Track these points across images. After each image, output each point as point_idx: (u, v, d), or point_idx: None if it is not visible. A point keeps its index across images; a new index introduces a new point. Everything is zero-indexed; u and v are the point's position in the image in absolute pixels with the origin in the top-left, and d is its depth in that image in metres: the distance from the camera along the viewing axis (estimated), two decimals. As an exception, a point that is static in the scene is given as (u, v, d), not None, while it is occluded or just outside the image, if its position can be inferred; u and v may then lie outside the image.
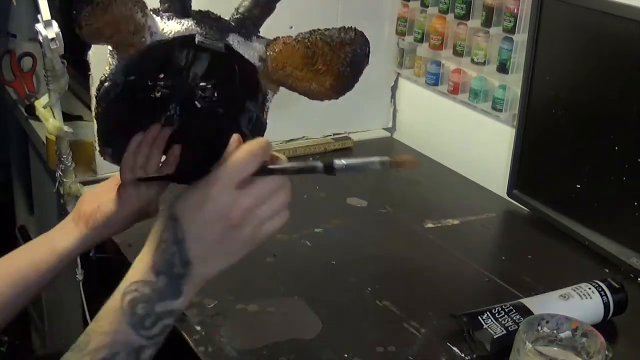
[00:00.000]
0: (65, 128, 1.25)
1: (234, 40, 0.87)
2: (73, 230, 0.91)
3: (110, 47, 0.84)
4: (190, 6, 0.88)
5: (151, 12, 0.84)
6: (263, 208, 0.70)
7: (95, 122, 0.89)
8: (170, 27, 0.86)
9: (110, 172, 1.28)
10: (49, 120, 1.25)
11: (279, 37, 0.87)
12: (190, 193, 0.70)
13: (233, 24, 0.88)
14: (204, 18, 0.87)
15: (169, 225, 0.69)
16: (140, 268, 0.70)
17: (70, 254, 0.91)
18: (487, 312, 0.92)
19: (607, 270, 1.11)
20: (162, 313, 0.69)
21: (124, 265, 1.03)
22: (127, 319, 0.68)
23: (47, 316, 1.84)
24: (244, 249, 0.71)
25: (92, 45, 1.24)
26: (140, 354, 0.68)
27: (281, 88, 0.89)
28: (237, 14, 0.88)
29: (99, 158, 1.31)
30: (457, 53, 1.38)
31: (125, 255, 1.05)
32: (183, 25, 0.86)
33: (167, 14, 0.86)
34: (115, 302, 0.68)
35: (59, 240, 0.91)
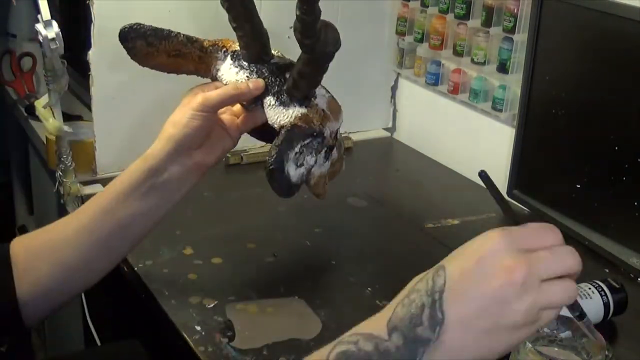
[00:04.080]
0: (65, 128, 1.25)
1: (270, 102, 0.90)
2: (158, 146, 0.88)
3: None
4: (269, 57, 0.92)
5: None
6: (548, 265, 0.56)
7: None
8: (228, 77, 0.91)
9: (111, 173, 1.29)
10: (49, 120, 1.25)
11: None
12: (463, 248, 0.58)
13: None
14: (275, 71, 0.91)
15: (429, 275, 0.58)
16: (374, 320, 0.58)
17: (159, 169, 0.87)
18: (487, 312, 0.92)
19: (607, 270, 1.11)
20: None
21: (124, 268, 1.04)
22: None
23: (47, 318, 1.84)
24: (511, 331, 0.56)
25: (92, 45, 1.24)
26: None
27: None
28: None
29: (99, 158, 1.32)
30: (457, 53, 1.38)
31: (125, 257, 1.05)
32: (238, 75, 0.91)
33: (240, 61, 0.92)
34: (322, 354, 0.56)
35: (150, 159, 0.88)
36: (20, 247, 0.86)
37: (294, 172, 0.86)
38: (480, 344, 0.56)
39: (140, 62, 0.92)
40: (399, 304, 0.57)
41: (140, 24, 0.91)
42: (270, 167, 0.85)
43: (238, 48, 0.92)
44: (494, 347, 0.56)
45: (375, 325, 0.57)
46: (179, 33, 0.92)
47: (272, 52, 0.93)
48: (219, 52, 0.93)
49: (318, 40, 0.82)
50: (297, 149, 0.87)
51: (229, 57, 0.93)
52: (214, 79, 0.94)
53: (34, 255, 0.86)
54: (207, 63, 0.93)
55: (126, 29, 0.91)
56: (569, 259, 0.58)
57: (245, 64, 0.92)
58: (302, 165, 0.87)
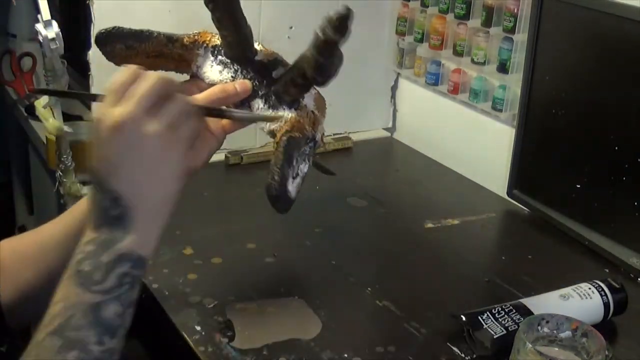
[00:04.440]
0: (65, 128, 1.25)
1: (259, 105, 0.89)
2: None
3: None
4: (253, 54, 0.90)
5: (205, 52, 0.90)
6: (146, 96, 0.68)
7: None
8: (210, 75, 0.90)
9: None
10: (49, 120, 1.25)
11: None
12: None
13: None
14: (261, 70, 0.90)
15: (92, 185, 0.68)
16: (83, 238, 0.67)
17: None
18: (487, 312, 0.92)
19: (607, 270, 1.11)
20: (110, 262, 0.65)
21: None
22: (74, 281, 0.64)
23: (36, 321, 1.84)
24: (161, 160, 0.68)
25: (92, 45, 1.24)
26: (100, 311, 0.64)
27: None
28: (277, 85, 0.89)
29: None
30: (457, 53, 1.38)
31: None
32: (222, 74, 0.90)
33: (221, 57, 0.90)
34: (67, 272, 0.66)
35: None
36: (8, 249, 0.85)
37: (292, 187, 0.85)
38: (153, 184, 0.68)
39: (118, 64, 0.90)
40: (89, 213, 0.68)
41: (119, 27, 0.89)
42: (275, 194, 0.83)
43: (219, 42, 0.90)
44: (152, 166, 0.67)
45: (87, 234, 0.67)
46: (159, 33, 0.90)
47: (255, 46, 0.91)
48: (200, 48, 0.91)
49: (330, 77, 0.82)
50: (294, 163, 0.86)
51: (209, 53, 0.90)
52: (195, 75, 0.92)
53: (21, 258, 0.84)
54: (188, 60, 0.91)
55: (104, 33, 0.89)
56: (143, 84, 0.69)
57: (227, 60, 0.90)
58: (297, 176, 0.86)
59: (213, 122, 0.91)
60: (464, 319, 0.92)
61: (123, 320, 0.66)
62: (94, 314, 0.63)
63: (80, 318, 0.63)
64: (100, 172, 0.67)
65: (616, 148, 1.10)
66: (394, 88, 1.61)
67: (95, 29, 1.23)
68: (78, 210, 0.85)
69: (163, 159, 0.68)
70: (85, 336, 0.63)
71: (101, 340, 0.63)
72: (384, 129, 1.64)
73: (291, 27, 1.40)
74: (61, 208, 1.33)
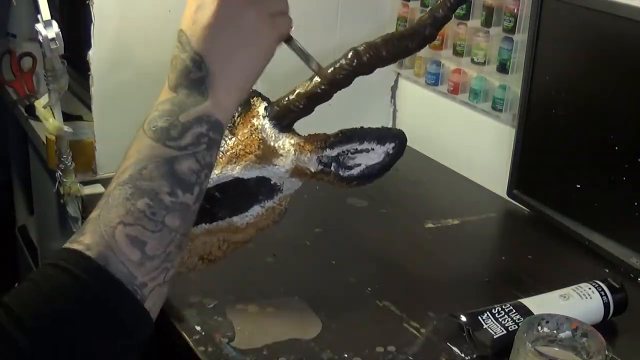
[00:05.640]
0: (65, 128, 1.25)
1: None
2: None
3: None
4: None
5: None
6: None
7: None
8: None
9: (111, 173, 1.28)
10: (49, 120, 1.25)
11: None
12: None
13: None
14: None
15: (177, 44, 0.68)
16: (161, 95, 0.67)
17: None
18: (487, 312, 0.92)
19: (607, 270, 1.11)
20: (188, 122, 0.64)
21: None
22: (149, 135, 0.63)
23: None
24: (254, 36, 0.69)
25: (92, 45, 1.24)
26: (174, 165, 0.62)
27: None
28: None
29: (99, 158, 1.32)
30: (457, 53, 1.38)
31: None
32: None
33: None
34: (136, 133, 0.65)
35: None
36: None
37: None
38: (232, 47, 0.68)
39: None
40: (168, 74, 0.67)
41: None
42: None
43: None
44: (242, 40, 0.68)
45: (162, 94, 0.66)
46: None
47: None
48: None
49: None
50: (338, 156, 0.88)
51: None
52: None
53: None
54: None
55: None
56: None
57: None
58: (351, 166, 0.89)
59: None
60: (464, 319, 0.92)
61: (198, 179, 0.64)
62: (168, 167, 0.62)
63: (153, 169, 0.62)
64: (190, 33, 0.67)
65: (616, 148, 1.10)
66: (394, 88, 1.61)
67: (95, 29, 1.23)
68: None
69: (258, 35, 0.69)
70: (157, 186, 0.61)
71: (174, 192, 0.62)
72: (384, 129, 1.64)
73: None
74: (61, 208, 1.33)
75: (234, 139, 0.86)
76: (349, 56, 0.84)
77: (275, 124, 0.87)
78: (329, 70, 0.84)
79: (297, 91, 0.86)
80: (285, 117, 0.87)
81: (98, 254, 0.58)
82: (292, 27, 0.74)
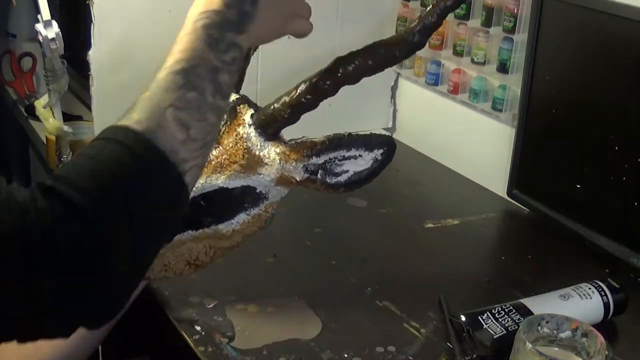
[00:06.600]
0: (65, 128, 1.25)
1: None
2: None
3: None
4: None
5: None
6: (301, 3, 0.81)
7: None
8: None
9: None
10: (49, 120, 1.25)
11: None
12: None
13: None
14: None
15: None
16: (209, 1, 0.71)
17: None
18: (487, 312, 0.92)
19: (607, 270, 1.11)
20: (230, 43, 0.70)
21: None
22: (203, 38, 0.68)
23: None
24: (277, 27, 0.80)
25: (92, 45, 1.24)
26: (217, 75, 0.68)
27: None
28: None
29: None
30: (457, 53, 1.38)
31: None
32: None
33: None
34: (186, 28, 0.70)
35: None
36: None
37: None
38: (272, 14, 0.78)
39: None
40: None
41: None
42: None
43: None
44: (276, 18, 0.80)
45: (213, 3, 0.71)
46: None
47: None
48: None
49: None
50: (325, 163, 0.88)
51: None
52: None
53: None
54: None
55: None
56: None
57: None
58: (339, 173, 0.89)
59: None
60: (464, 319, 0.92)
61: (230, 90, 0.71)
62: (213, 74, 0.68)
63: (203, 71, 0.67)
64: None
65: (616, 148, 1.10)
66: (394, 88, 1.61)
67: (95, 29, 1.23)
68: None
69: (278, 23, 0.80)
70: (205, 85, 0.67)
71: (215, 95, 0.68)
72: (383, 129, 1.64)
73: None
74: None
75: (219, 147, 0.86)
76: (334, 65, 0.83)
77: (260, 132, 0.86)
78: (314, 80, 0.84)
79: (282, 99, 0.85)
80: (270, 125, 0.86)
81: (147, 128, 0.62)
82: (310, 31, 0.82)
